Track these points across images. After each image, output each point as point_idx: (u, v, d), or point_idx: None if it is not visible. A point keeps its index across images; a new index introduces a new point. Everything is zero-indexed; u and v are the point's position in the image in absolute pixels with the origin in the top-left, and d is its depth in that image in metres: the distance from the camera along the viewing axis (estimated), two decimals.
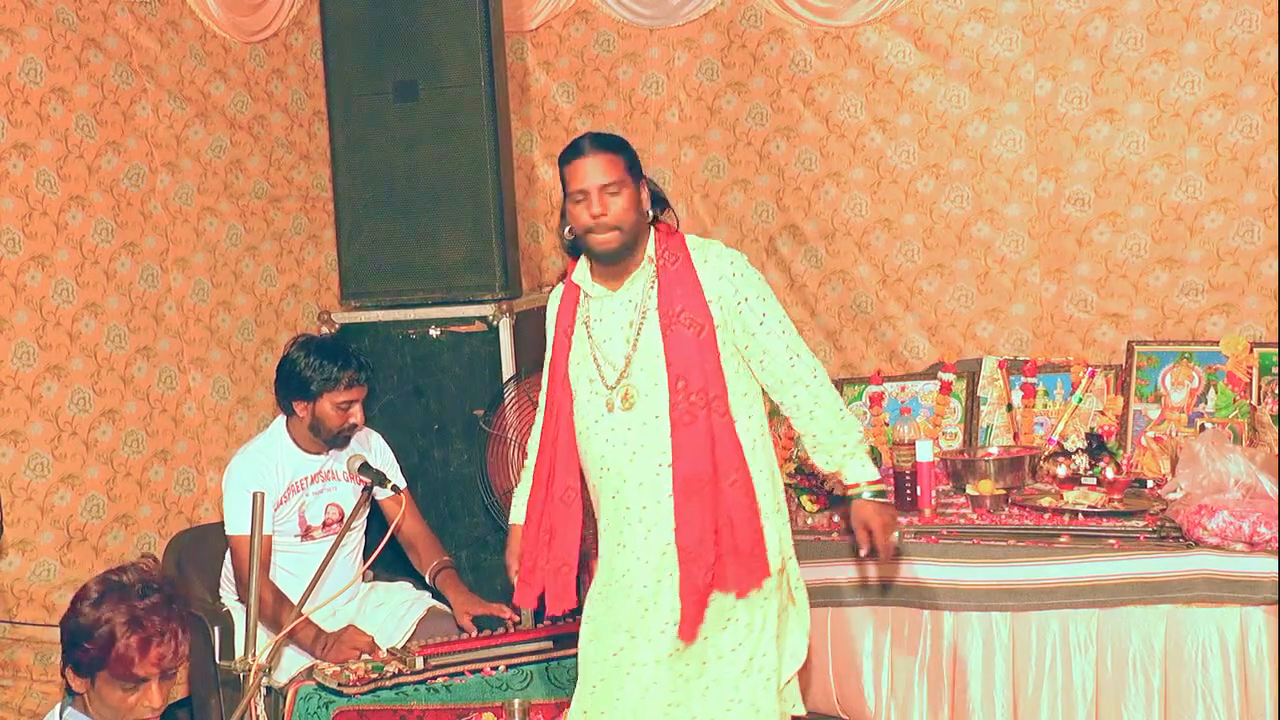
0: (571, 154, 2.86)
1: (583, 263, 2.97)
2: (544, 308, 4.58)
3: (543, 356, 3.11)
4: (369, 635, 3.46)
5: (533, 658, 3.30)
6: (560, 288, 3.05)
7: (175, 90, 4.43)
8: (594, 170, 2.82)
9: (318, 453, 3.69)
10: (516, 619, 3.58)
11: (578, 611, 3.02)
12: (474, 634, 3.50)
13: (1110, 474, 3.93)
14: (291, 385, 3.61)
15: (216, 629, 3.61)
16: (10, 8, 3.94)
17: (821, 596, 3.86)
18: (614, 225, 2.82)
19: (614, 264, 2.89)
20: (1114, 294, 4.53)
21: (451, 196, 4.38)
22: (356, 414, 3.63)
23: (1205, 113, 4.37)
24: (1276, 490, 3.51)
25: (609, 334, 2.92)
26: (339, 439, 3.65)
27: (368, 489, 3.58)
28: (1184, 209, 4.42)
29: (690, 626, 2.82)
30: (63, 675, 2.39)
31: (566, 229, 2.91)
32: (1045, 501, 3.86)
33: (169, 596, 2.38)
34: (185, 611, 2.41)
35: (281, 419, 3.71)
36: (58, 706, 2.45)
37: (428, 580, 3.78)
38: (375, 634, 3.54)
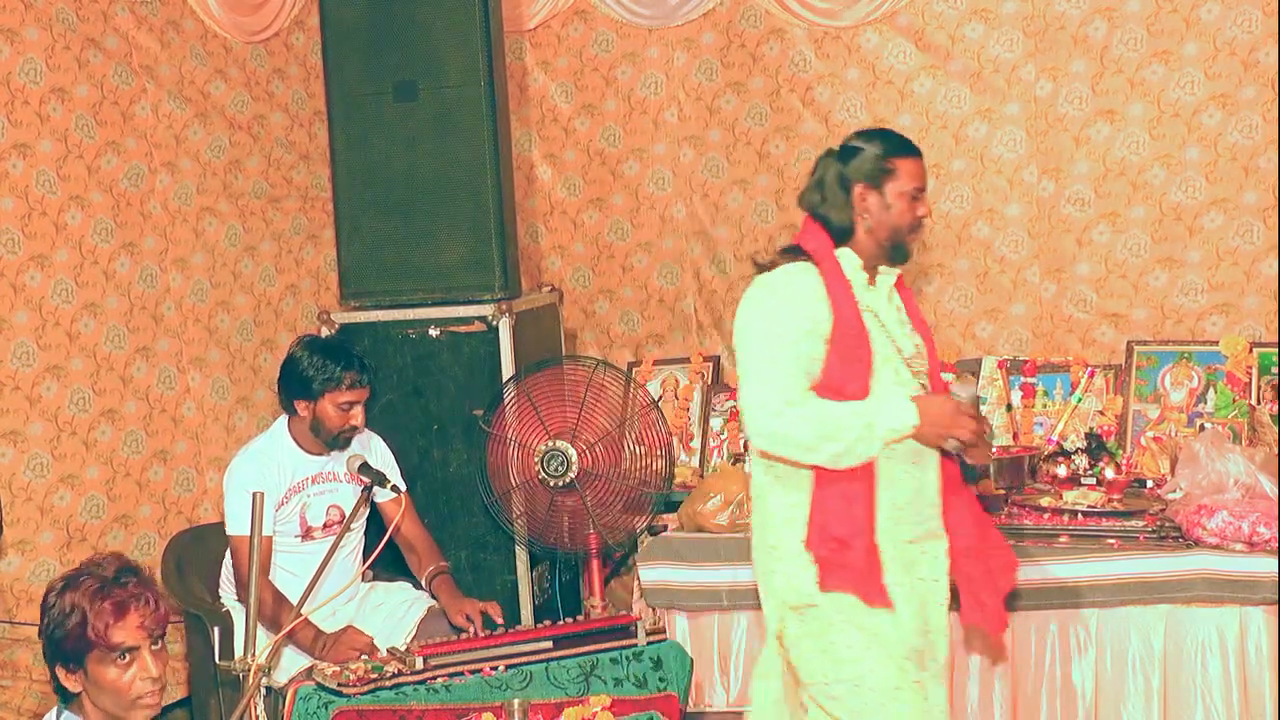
0: (913, 151, 2.90)
1: (845, 252, 2.87)
2: (542, 308, 4.64)
3: (549, 355, 3.05)
4: (368, 636, 3.46)
5: (533, 658, 3.30)
6: (810, 269, 2.82)
7: (175, 90, 4.43)
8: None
9: (319, 454, 3.69)
10: (500, 622, 3.56)
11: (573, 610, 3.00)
12: (470, 630, 3.50)
13: (1110, 474, 3.94)
14: (294, 384, 3.61)
15: (216, 629, 3.61)
16: (10, 8, 3.94)
17: None
18: None
19: (899, 262, 2.90)
20: (1113, 294, 4.54)
21: (451, 196, 4.38)
22: (358, 416, 3.63)
23: (1205, 113, 4.37)
24: (1276, 490, 3.51)
25: (888, 322, 2.88)
26: (339, 440, 3.65)
27: (367, 489, 3.58)
28: (1184, 209, 4.42)
29: (1002, 625, 2.93)
30: (55, 685, 2.32)
31: (866, 223, 2.85)
32: (1044, 501, 3.86)
33: (133, 568, 2.33)
34: (153, 582, 2.35)
35: (283, 419, 3.71)
36: (52, 713, 2.39)
37: (423, 585, 3.78)
38: (375, 634, 3.54)
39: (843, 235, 2.86)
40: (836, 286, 2.79)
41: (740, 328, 2.83)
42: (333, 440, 3.64)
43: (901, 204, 2.85)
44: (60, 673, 2.30)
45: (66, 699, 2.36)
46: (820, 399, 2.73)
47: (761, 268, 2.89)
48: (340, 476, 3.71)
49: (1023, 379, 4.43)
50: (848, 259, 2.86)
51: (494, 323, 4.32)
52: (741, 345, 2.82)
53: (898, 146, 2.89)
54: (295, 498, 3.66)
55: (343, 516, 3.69)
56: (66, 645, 2.28)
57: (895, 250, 2.87)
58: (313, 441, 3.67)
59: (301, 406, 3.62)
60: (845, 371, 2.75)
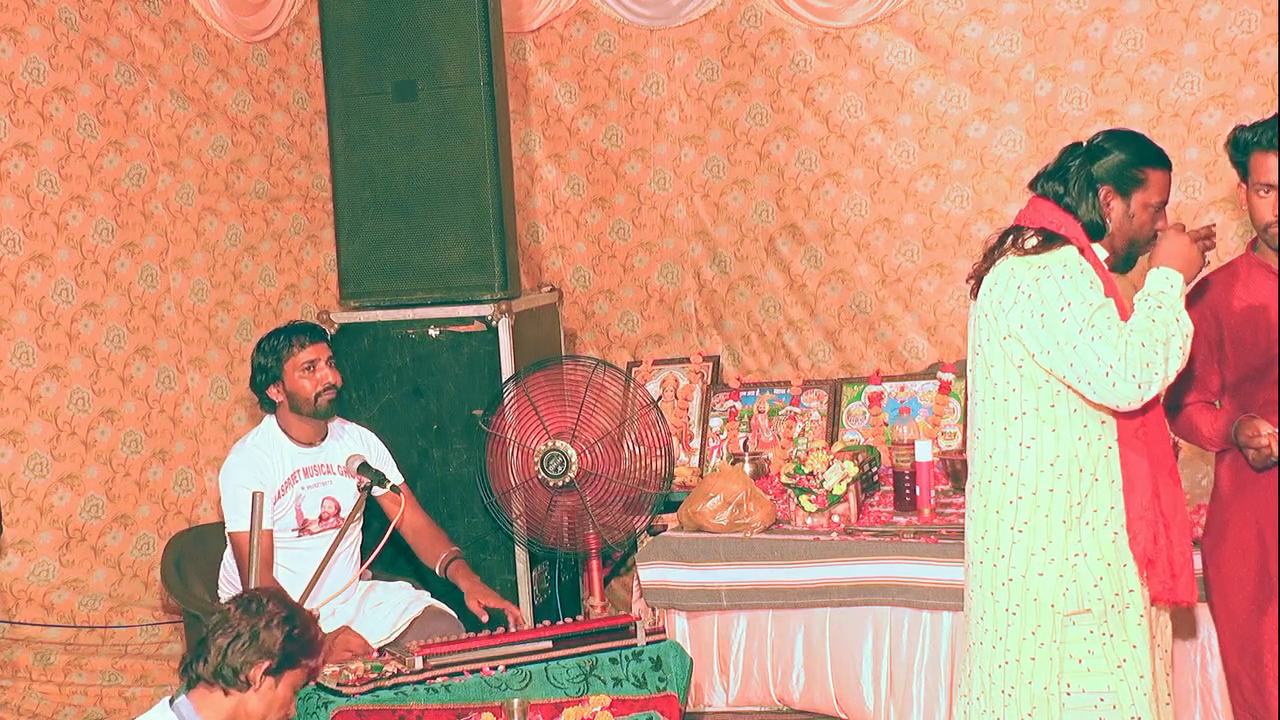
0: (1165, 163, 2.82)
1: (1097, 247, 2.80)
2: (542, 308, 4.64)
3: (549, 355, 3.02)
4: (362, 637, 3.47)
5: (532, 658, 3.30)
6: (1076, 253, 2.73)
7: (177, 90, 4.43)
8: None
9: (311, 444, 3.69)
10: (522, 621, 3.57)
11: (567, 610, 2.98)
12: (484, 620, 3.52)
13: None
14: (258, 377, 3.66)
15: None
16: (13, 7, 3.95)
17: (821, 596, 3.86)
18: None
19: (1122, 273, 2.85)
20: None
21: (451, 196, 4.38)
22: (324, 372, 3.63)
23: (1205, 113, 4.37)
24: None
25: None
26: (322, 407, 3.64)
27: (366, 488, 3.58)
28: (1184, 209, 4.42)
29: None
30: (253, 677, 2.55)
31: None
32: None
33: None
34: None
35: (271, 416, 3.72)
36: (165, 700, 2.56)
37: (438, 572, 3.77)
38: (372, 634, 3.54)
39: (1095, 232, 2.79)
40: (1102, 274, 2.73)
41: (1039, 304, 2.66)
42: (317, 410, 3.63)
43: (1144, 216, 2.79)
44: (257, 670, 2.55)
45: (189, 685, 2.56)
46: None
47: (1023, 251, 2.73)
48: (334, 469, 3.71)
49: None
50: (1100, 254, 2.78)
51: (494, 323, 4.33)
52: (1051, 319, 2.64)
53: (1151, 156, 2.80)
54: (291, 490, 3.66)
55: (338, 509, 3.69)
56: (305, 646, 2.62)
57: (1126, 260, 2.82)
58: (302, 429, 3.67)
59: (274, 392, 3.64)
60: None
